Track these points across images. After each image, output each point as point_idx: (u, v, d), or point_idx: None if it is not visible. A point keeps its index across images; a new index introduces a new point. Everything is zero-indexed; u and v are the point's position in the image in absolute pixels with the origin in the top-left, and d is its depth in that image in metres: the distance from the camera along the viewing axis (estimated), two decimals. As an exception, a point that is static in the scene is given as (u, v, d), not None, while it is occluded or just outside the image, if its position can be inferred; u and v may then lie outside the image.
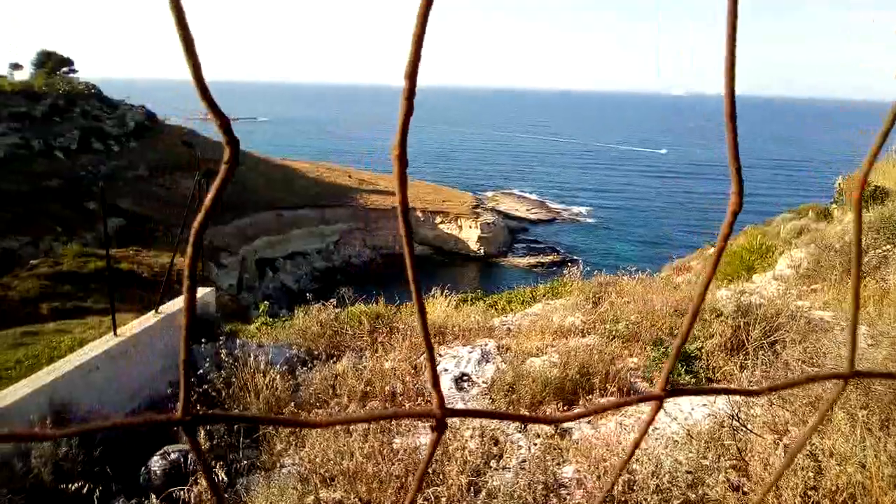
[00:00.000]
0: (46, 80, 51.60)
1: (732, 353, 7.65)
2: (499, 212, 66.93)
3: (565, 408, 6.50)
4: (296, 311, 11.40)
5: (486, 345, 8.77)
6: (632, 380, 7.37)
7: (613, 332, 8.65)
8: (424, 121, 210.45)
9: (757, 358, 7.21)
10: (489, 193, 78.87)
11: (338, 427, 5.27)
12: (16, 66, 56.31)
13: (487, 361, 8.24)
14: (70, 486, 5.33)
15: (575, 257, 51.97)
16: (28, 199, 37.53)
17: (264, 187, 55.81)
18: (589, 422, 6.47)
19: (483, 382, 7.69)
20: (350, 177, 67.70)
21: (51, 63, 54.52)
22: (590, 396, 6.71)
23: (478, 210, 62.73)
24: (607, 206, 78.01)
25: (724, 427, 5.32)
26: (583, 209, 76.61)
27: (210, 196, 0.50)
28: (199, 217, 0.50)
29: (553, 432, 5.78)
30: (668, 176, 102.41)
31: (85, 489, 5.35)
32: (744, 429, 5.23)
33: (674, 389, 0.62)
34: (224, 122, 0.48)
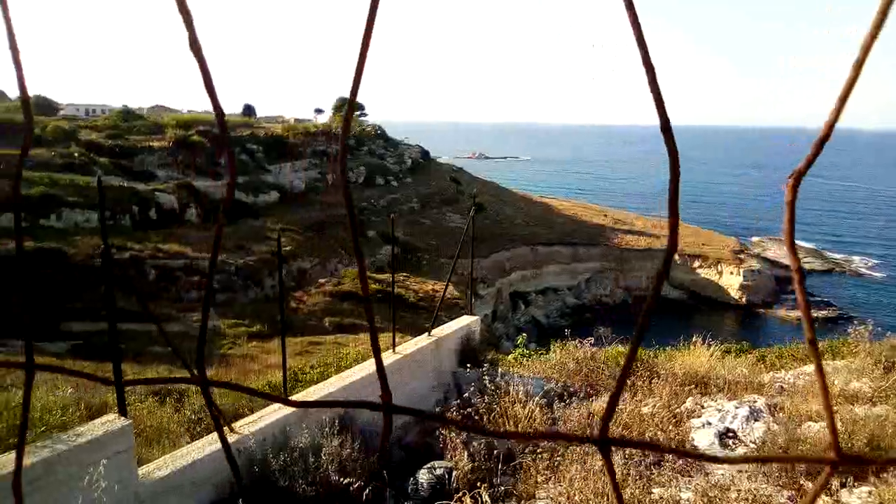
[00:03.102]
0: (341, 123, 59.01)
1: None
2: (765, 259, 61.69)
3: (854, 484, 5.81)
4: (552, 346, 11.60)
5: (754, 401, 8.15)
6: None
7: (913, 405, 7.54)
8: (689, 160, 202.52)
9: None
10: (755, 239, 73.03)
11: (598, 466, 5.28)
12: (318, 111, 65.40)
13: (756, 420, 7.64)
14: (351, 483, 5.98)
15: (855, 314, 45.68)
16: (320, 226, 42.84)
17: (522, 223, 57.58)
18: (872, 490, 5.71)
19: (751, 443, 7.15)
20: (606, 216, 67.18)
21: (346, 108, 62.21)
22: (883, 475, 5.92)
23: (741, 256, 58.42)
24: (901, 261, 67.67)
25: None
26: (867, 262, 67.41)
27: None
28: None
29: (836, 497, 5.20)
30: None
31: (358, 485, 6.00)
32: None
33: (851, 456, 0.56)
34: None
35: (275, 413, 6.64)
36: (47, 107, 53.83)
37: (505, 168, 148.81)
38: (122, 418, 5.07)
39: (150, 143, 43.50)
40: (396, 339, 8.33)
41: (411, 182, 58.65)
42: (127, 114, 51.26)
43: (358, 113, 62.36)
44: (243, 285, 33.87)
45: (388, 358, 7.75)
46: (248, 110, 65.71)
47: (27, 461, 4.31)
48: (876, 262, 67.30)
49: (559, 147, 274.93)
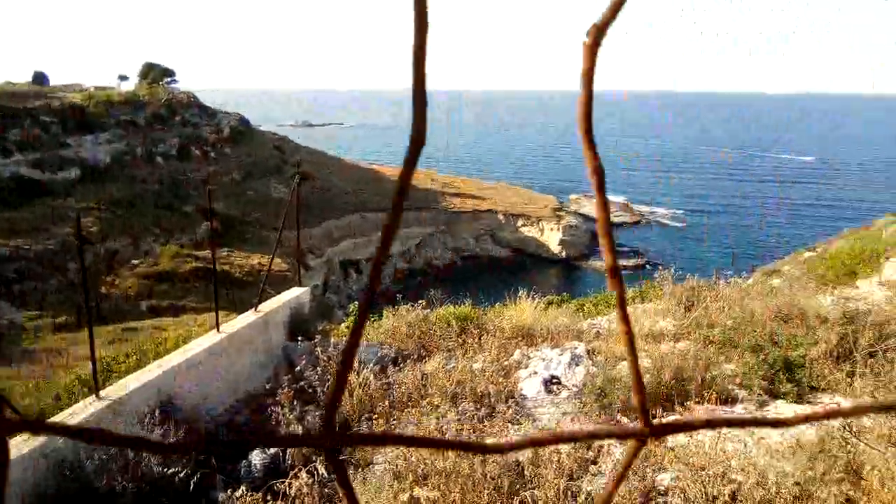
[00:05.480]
0: (149, 90, 54.57)
1: (839, 361, 7.31)
2: (581, 215, 66.05)
3: (663, 414, 6.35)
4: (384, 312, 11.60)
5: (575, 348, 8.66)
6: (729, 387, 7.12)
7: (709, 338, 8.38)
8: (509, 125, 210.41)
9: (867, 367, 6.86)
10: (572, 196, 77.74)
11: (432, 427, 5.33)
12: (123, 78, 59.91)
13: (577, 365, 8.13)
14: (177, 473, 5.61)
15: (660, 262, 50.16)
16: (130, 203, 39.70)
17: (351, 191, 57.09)
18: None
19: (573, 386, 7.60)
20: (433, 180, 68.32)
21: (154, 74, 57.60)
22: (687, 403, 6.53)
23: (560, 213, 62.09)
24: (700, 212, 75.30)
25: (833, 438, 5.08)
26: (669, 212, 74.39)
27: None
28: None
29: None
30: (787, 183, 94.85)
31: (184, 475, 5.65)
32: (854, 440, 4.98)
33: (660, 425, 0.49)
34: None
35: (86, 409, 6.05)
36: None
37: (329, 135, 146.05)
38: None
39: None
40: (221, 319, 7.89)
41: (231, 152, 55.84)
42: None
43: (168, 80, 58.08)
44: (44, 273, 30.70)
45: (211, 339, 7.32)
46: (40, 78, 58.83)
47: None
48: (677, 212, 74.34)
49: (381, 113, 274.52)
